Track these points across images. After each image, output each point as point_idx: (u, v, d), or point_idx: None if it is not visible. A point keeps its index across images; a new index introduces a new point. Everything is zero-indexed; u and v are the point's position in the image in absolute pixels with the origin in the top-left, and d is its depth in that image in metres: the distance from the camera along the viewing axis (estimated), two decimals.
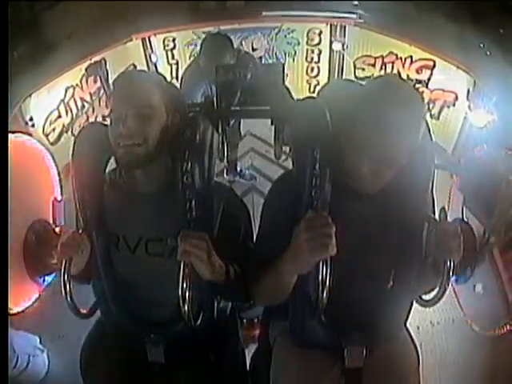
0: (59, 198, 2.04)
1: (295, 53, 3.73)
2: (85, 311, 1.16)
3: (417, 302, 1.18)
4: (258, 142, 3.30)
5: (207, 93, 2.28)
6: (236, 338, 1.37)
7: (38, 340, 1.98)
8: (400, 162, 0.98)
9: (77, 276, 1.12)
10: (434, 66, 3.06)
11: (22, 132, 1.92)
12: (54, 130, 3.01)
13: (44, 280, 1.86)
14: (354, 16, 3.52)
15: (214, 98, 1.76)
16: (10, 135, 1.74)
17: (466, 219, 1.89)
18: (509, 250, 1.77)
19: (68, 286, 1.05)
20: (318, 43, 3.66)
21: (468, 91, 2.78)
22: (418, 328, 2.03)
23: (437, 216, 1.07)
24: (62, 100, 3.06)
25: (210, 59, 2.16)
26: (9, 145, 1.51)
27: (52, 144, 2.98)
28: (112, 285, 1.17)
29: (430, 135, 1.09)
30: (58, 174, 2.08)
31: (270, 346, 1.24)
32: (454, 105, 3.01)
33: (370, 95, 0.96)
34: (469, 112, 2.79)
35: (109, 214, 1.14)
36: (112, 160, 1.15)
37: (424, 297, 1.16)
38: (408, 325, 1.24)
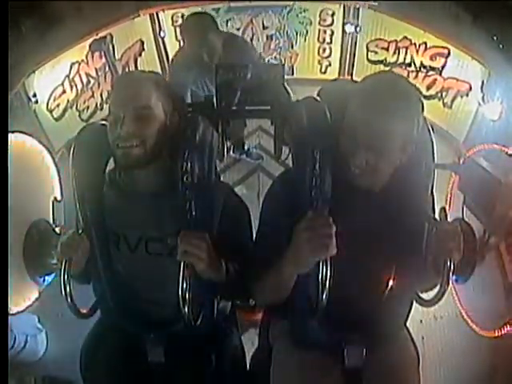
0: (59, 198, 2.04)
1: (307, 32, 3.67)
2: (85, 311, 1.16)
3: (417, 301, 1.18)
4: (266, 121, 3.09)
5: (200, 83, 2.20)
6: (236, 337, 1.37)
7: (37, 319, 1.97)
8: (397, 156, 0.98)
9: (77, 276, 1.12)
10: (449, 54, 3.02)
11: (23, 132, 1.91)
12: (58, 105, 2.99)
13: (44, 280, 1.86)
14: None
15: (214, 98, 1.76)
16: (9, 135, 1.74)
17: (466, 219, 1.89)
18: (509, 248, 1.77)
19: (68, 286, 1.05)
20: (331, 24, 3.59)
21: (482, 83, 2.73)
22: (421, 321, 2.03)
23: (437, 216, 1.07)
24: (67, 76, 3.02)
25: (190, 42, 2.06)
26: (9, 145, 1.51)
27: (56, 120, 2.96)
28: (112, 284, 1.17)
29: (431, 135, 1.09)
30: (58, 173, 2.08)
31: (270, 346, 1.24)
32: (467, 95, 2.96)
33: (367, 89, 0.97)
34: (482, 104, 2.73)
35: (109, 214, 1.14)
36: (112, 160, 1.15)
37: (424, 297, 1.16)
38: (411, 318, 1.24)
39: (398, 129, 0.94)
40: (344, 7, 3.50)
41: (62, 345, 1.97)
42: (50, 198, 1.98)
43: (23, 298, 1.83)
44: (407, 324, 1.25)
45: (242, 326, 1.41)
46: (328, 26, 3.61)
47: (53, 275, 1.86)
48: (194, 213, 1.06)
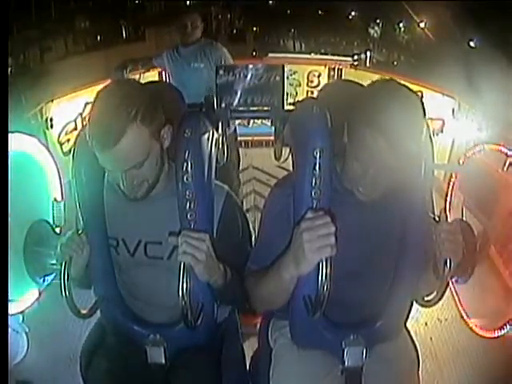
0: (59, 198, 2.04)
1: (296, 94, 3.85)
2: (85, 311, 1.16)
3: (417, 302, 1.18)
4: (260, 173, 3.56)
5: None
6: (236, 338, 1.37)
7: (21, 318, 1.92)
8: (405, 167, 0.98)
9: (77, 279, 1.12)
10: (422, 97, 3.14)
11: (23, 132, 1.91)
12: (68, 140, 3.05)
13: (44, 280, 1.86)
14: (350, 59, 3.78)
15: (214, 98, 1.76)
16: (10, 135, 1.74)
17: (465, 219, 1.89)
18: (506, 248, 1.77)
19: (68, 287, 1.05)
20: (317, 85, 3.80)
21: (453, 110, 2.88)
22: (426, 324, 2.03)
23: (437, 217, 1.07)
24: (80, 114, 3.13)
25: None
26: (9, 145, 1.51)
27: (64, 154, 3.02)
28: (112, 287, 1.17)
29: (430, 137, 1.09)
30: (58, 173, 2.08)
31: (270, 346, 1.24)
32: (442, 131, 3.08)
33: (372, 102, 0.95)
34: (456, 130, 2.88)
35: (108, 217, 1.14)
36: None
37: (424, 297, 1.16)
38: (416, 321, 1.23)
39: (412, 150, 0.94)
40: (328, 68, 3.72)
41: (44, 352, 1.87)
42: (50, 198, 1.99)
43: (23, 298, 1.83)
44: (413, 327, 1.25)
45: (243, 333, 1.41)
46: (315, 87, 3.81)
47: (53, 275, 1.86)
48: (194, 213, 1.06)
